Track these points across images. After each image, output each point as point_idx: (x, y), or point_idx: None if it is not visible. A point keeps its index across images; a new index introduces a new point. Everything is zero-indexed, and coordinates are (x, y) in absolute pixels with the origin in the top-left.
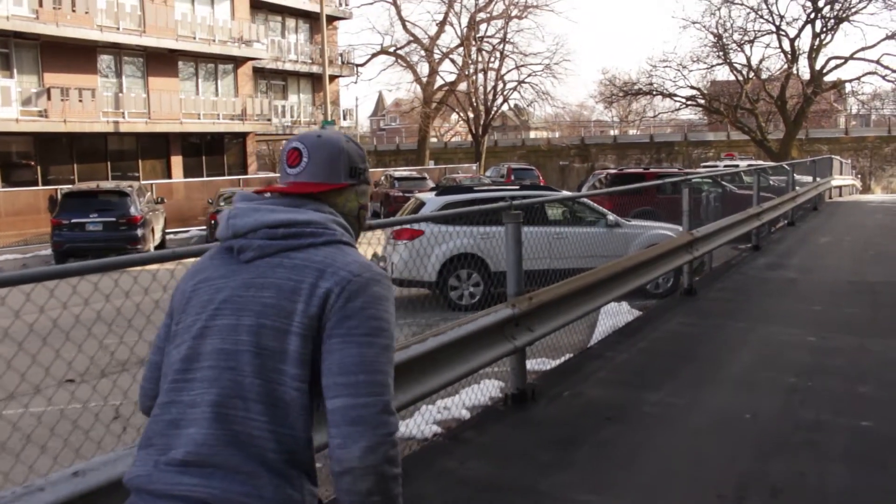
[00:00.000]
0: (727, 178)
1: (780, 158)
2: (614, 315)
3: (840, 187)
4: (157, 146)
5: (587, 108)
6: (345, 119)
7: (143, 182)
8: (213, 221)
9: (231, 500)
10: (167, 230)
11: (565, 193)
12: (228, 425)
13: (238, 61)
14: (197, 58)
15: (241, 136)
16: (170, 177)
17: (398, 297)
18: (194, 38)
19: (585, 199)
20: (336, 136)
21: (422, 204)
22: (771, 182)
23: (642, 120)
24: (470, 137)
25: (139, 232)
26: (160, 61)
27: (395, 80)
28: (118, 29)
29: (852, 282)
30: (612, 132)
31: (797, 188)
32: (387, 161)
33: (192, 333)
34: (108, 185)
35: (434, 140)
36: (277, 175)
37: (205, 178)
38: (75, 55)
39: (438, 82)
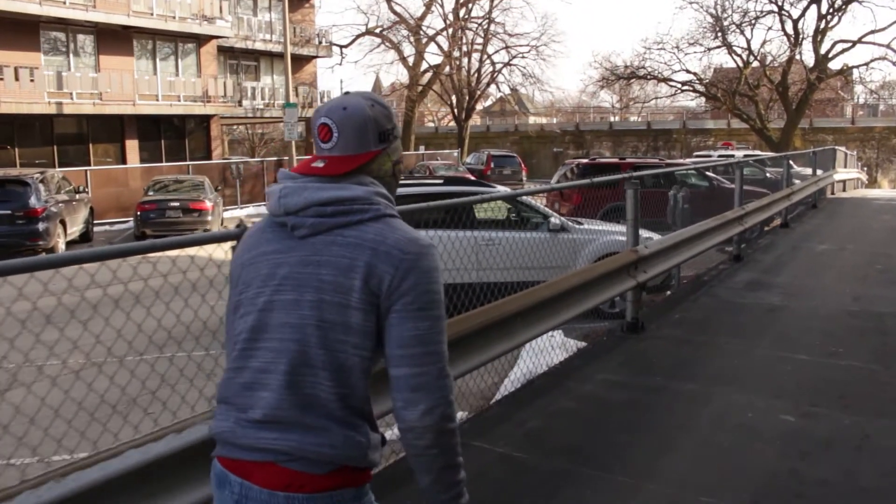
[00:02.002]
0: (720, 171)
1: (781, 148)
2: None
3: (844, 181)
4: (109, 129)
5: (589, 94)
6: (323, 101)
7: (94, 167)
8: (139, 213)
9: (307, 450)
10: (103, 221)
11: (499, 191)
12: (299, 390)
13: (201, 39)
14: (155, 35)
15: (205, 119)
16: (125, 162)
17: None
18: (151, 14)
19: (525, 198)
20: (360, 104)
21: None
22: (768, 175)
23: (643, 107)
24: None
25: (41, 226)
26: (113, 38)
27: (381, 62)
28: (65, 3)
29: (853, 312)
30: (612, 118)
31: (796, 182)
32: None
33: (258, 306)
34: (13, 172)
35: (430, 124)
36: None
37: (164, 163)
38: (15, 31)
39: (425, 65)
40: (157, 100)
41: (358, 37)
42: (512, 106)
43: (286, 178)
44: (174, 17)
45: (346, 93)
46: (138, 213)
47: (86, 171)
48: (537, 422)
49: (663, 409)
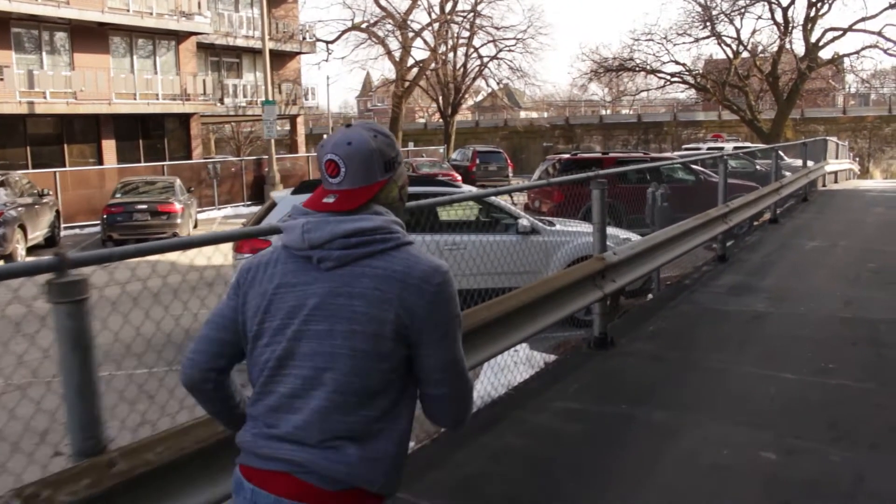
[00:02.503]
0: (708, 164)
1: (772, 139)
2: (500, 370)
3: (836, 172)
4: (85, 129)
5: (578, 87)
6: (307, 99)
7: (63, 168)
8: (105, 216)
9: (321, 465)
10: (73, 224)
11: (464, 191)
12: (327, 415)
13: (179, 36)
14: (131, 32)
15: (185, 118)
16: (101, 162)
17: None
18: (127, 11)
19: (494, 198)
20: (364, 137)
21: (273, 206)
22: (758, 167)
23: (634, 100)
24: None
25: None
26: (88, 36)
27: (366, 58)
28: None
29: (846, 319)
30: (604, 112)
31: (787, 174)
32: None
33: (287, 335)
34: None
35: (421, 120)
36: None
37: (140, 164)
38: None
39: (412, 61)
40: (135, 98)
41: (344, 32)
42: (502, 100)
43: (302, 213)
44: (151, 14)
45: (349, 125)
46: (104, 216)
47: (55, 172)
48: (476, 465)
49: (625, 446)
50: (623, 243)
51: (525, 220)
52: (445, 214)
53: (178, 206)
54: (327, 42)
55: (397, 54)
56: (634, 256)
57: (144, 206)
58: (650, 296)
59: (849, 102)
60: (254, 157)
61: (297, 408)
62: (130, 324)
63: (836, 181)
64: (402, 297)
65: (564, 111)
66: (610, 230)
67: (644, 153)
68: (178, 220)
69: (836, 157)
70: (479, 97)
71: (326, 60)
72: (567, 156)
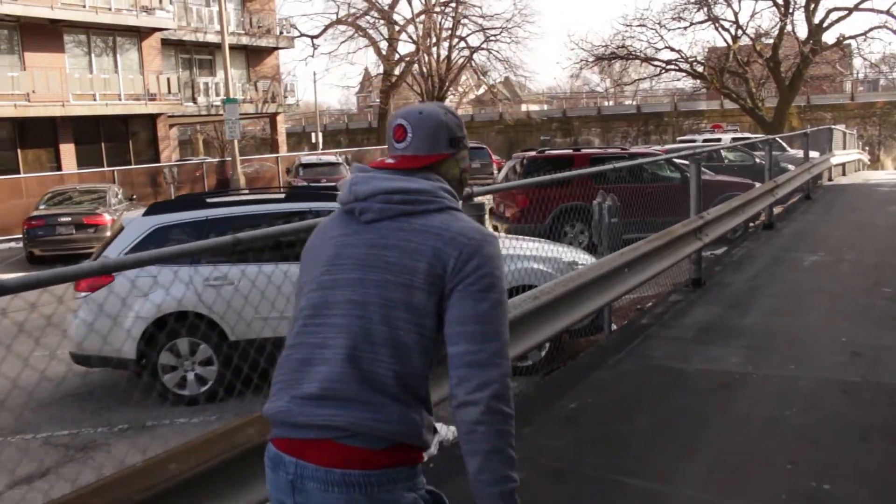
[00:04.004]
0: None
1: (774, 129)
2: None
3: (843, 164)
4: (41, 133)
5: (574, 78)
6: (287, 96)
7: None
8: (27, 229)
9: (364, 426)
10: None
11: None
12: (358, 364)
13: (142, 33)
14: (88, 29)
15: (151, 119)
16: (59, 168)
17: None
18: (83, 6)
19: None
20: (435, 110)
21: (121, 230)
22: (757, 161)
23: (637, 90)
24: (461, 112)
25: None
26: (39, 34)
27: (348, 52)
28: None
29: (852, 387)
30: (607, 103)
31: (789, 168)
32: (359, 140)
33: (323, 284)
34: None
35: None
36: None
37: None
38: None
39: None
40: (94, 99)
41: (328, 26)
42: (502, 92)
43: (358, 170)
44: (109, 9)
45: (422, 101)
46: (26, 230)
47: None
48: None
49: None
50: (567, 269)
51: None
52: None
53: (107, 218)
54: (312, 37)
55: (384, 49)
56: (536, 312)
57: (68, 219)
58: (603, 334)
59: (857, 88)
60: (216, 160)
61: (326, 359)
62: None
63: (843, 173)
64: (436, 248)
65: (572, 103)
66: (551, 250)
67: (622, 149)
68: (108, 233)
69: (844, 148)
70: (481, 90)
71: (312, 56)
72: (533, 153)
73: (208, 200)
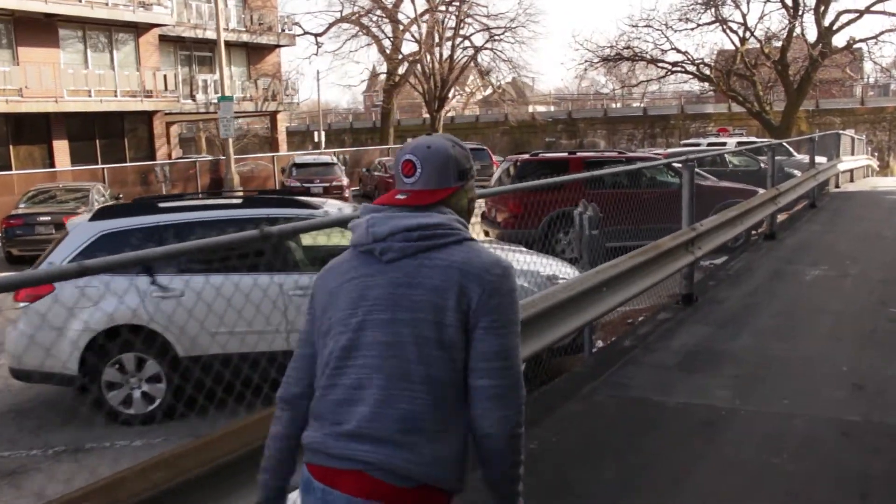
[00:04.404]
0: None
1: (782, 133)
2: None
3: (851, 171)
4: (34, 129)
5: (580, 79)
6: (287, 95)
7: None
8: (5, 228)
9: (395, 464)
10: None
11: (320, 215)
12: (393, 404)
13: (139, 28)
14: (84, 24)
15: (148, 116)
16: (52, 165)
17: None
18: (79, 1)
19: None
20: (443, 144)
21: (66, 236)
22: (762, 166)
23: (645, 93)
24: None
25: None
26: (33, 28)
27: (350, 50)
28: None
29: (853, 428)
30: (615, 105)
31: (796, 173)
32: (363, 139)
33: (351, 326)
34: None
35: (426, 115)
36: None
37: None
38: None
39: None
40: (89, 95)
41: (332, 24)
42: (508, 93)
43: (370, 210)
44: (105, 4)
45: (430, 134)
46: (4, 228)
47: None
48: None
49: None
50: (546, 284)
51: None
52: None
53: None
54: (316, 35)
55: (387, 48)
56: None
57: (48, 218)
58: (585, 353)
59: (867, 92)
60: (211, 158)
61: (362, 399)
62: None
63: (851, 180)
64: (461, 284)
65: (577, 104)
66: (530, 262)
67: (619, 152)
68: None
69: (852, 153)
70: (488, 91)
71: (316, 54)
72: (526, 156)
73: (160, 205)
